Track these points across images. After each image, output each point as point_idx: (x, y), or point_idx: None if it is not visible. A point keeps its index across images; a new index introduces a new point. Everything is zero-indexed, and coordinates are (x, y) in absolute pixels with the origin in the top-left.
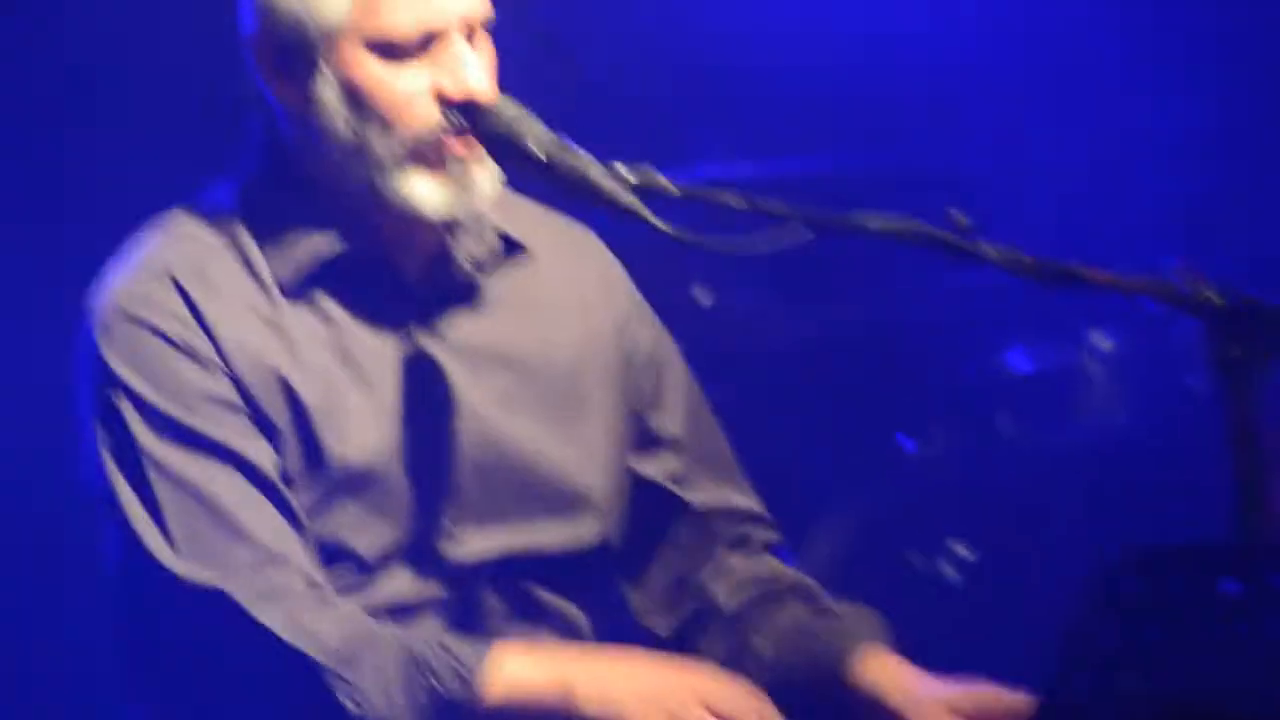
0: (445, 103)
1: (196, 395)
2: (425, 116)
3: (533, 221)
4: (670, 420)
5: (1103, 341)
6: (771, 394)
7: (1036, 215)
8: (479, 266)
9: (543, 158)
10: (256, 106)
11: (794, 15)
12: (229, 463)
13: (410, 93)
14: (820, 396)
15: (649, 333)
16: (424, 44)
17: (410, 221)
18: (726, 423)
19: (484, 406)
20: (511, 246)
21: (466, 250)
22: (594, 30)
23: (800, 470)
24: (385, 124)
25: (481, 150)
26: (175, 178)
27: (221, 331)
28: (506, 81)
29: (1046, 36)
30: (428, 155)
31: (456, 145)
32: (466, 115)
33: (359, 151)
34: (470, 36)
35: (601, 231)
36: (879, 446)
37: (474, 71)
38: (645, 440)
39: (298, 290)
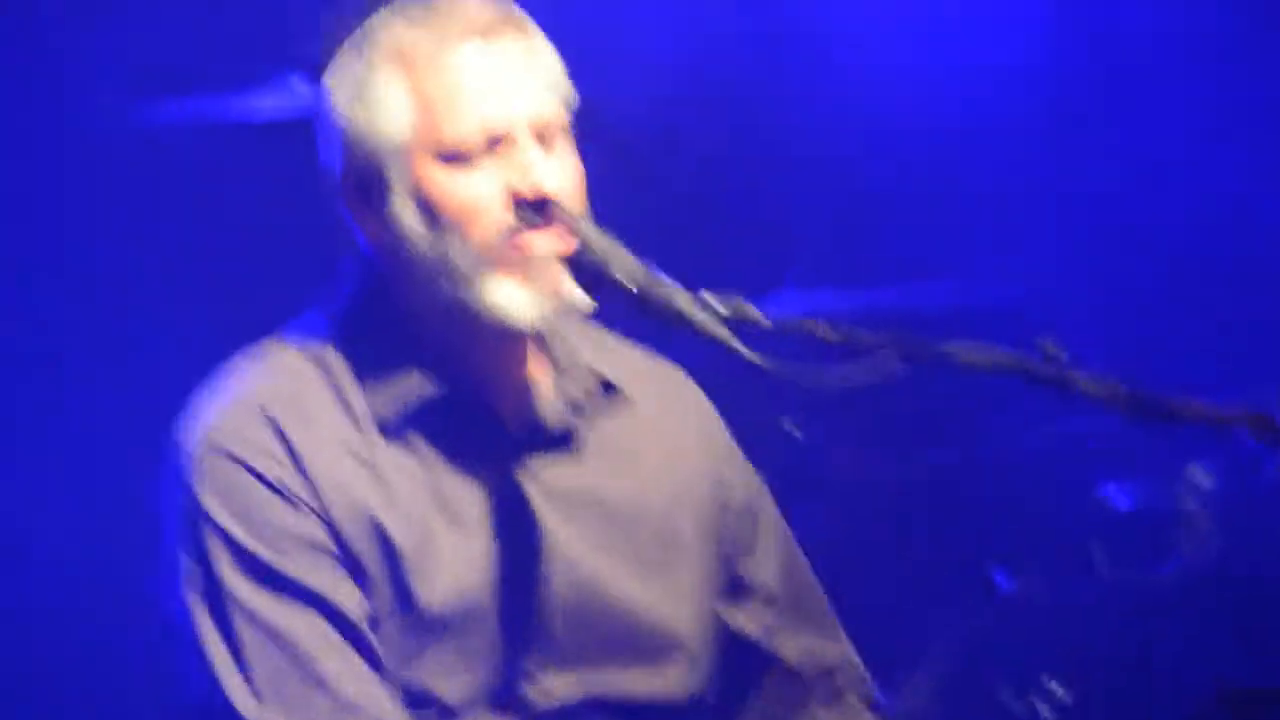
0: (516, 202)
1: (288, 538)
2: (498, 219)
3: (630, 365)
4: (762, 569)
5: (1202, 477)
6: (865, 529)
7: (1129, 345)
8: (575, 409)
9: (632, 288)
10: (347, 244)
11: (885, 143)
12: (315, 607)
13: (481, 196)
14: (914, 532)
15: (743, 480)
16: (491, 147)
17: (504, 349)
18: (819, 558)
19: (576, 550)
20: (608, 389)
21: (563, 391)
22: (680, 155)
23: (895, 607)
24: (460, 231)
25: (564, 246)
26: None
27: (317, 470)
28: (595, 203)
29: (1132, 154)
30: (507, 258)
31: (535, 243)
32: (541, 214)
33: (441, 266)
34: (544, 140)
35: (694, 362)
36: (975, 583)
37: (542, 169)
38: (736, 588)
39: (393, 428)
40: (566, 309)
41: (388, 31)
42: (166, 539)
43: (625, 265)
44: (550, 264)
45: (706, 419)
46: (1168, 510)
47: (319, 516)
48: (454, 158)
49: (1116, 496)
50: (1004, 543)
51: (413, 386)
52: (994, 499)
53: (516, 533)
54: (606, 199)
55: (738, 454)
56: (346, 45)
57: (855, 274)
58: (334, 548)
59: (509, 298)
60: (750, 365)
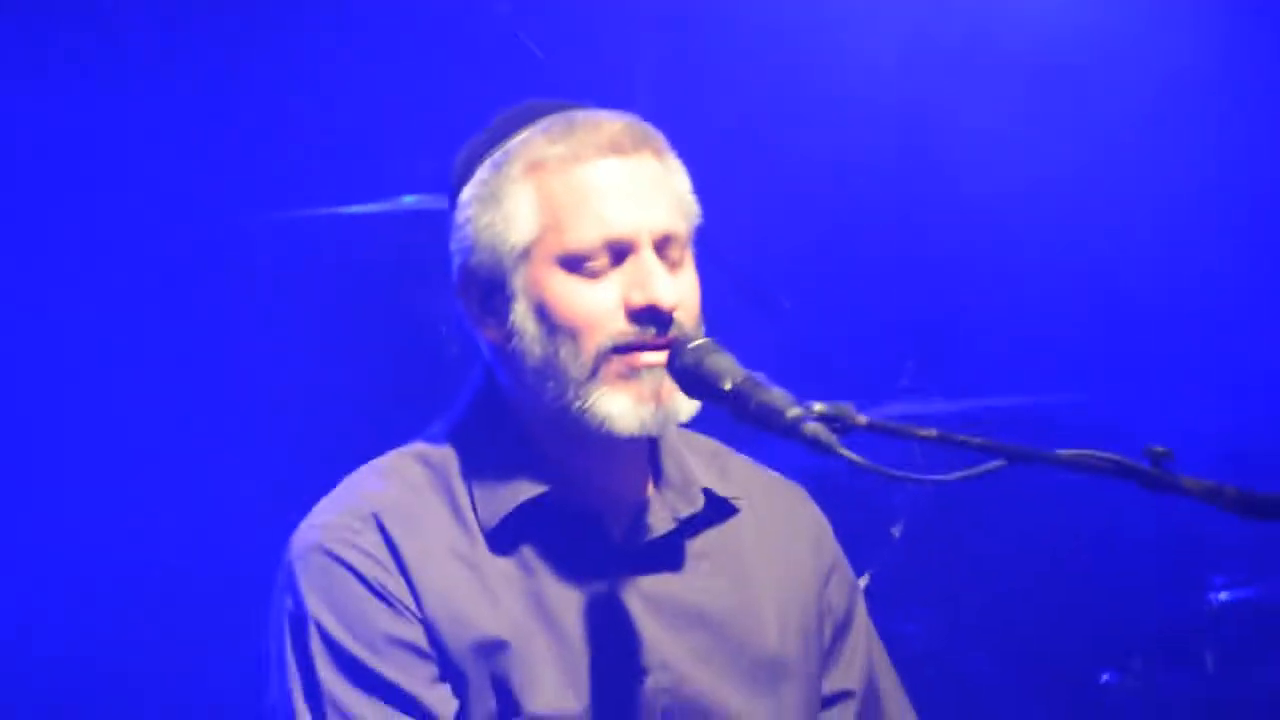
0: (633, 313)
1: (385, 639)
2: (613, 328)
3: (746, 481)
4: (848, 677)
5: None
6: (966, 627)
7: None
8: (684, 524)
9: (731, 390)
10: (474, 356)
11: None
12: (408, 711)
13: (597, 304)
14: (1018, 629)
15: (844, 591)
16: (613, 257)
17: (612, 459)
18: (919, 655)
19: (679, 663)
20: (718, 504)
21: (671, 505)
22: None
23: (1000, 703)
24: (574, 337)
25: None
26: None
27: (421, 577)
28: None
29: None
30: (619, 368)
31: (648, 357)
32: (656, 327)
33: (551, 370)
34: (664, 250)
35: (801, 470)
36: (1081, 680)
37: (661, 281)
38: (824, 698)
39: (500, 535)
40: (671, 418)
41: (526, 146)
42: (272, 636)
43: (725, 368)
44: (658, 375)
45: (820, 538)
46: (1275, 607)
47: (418, 620)
48: (575, 265)
49: (1222, 592)
50: (1111, 639)
51: (519, 494)
52: (1099, 595)
53: (618, 643)
54: (721, 313)
55: (845, 567)
56: (485, 161)
57: (962, 383)
58: (432, 653)
59: (616, 407)
60: (855, 467)
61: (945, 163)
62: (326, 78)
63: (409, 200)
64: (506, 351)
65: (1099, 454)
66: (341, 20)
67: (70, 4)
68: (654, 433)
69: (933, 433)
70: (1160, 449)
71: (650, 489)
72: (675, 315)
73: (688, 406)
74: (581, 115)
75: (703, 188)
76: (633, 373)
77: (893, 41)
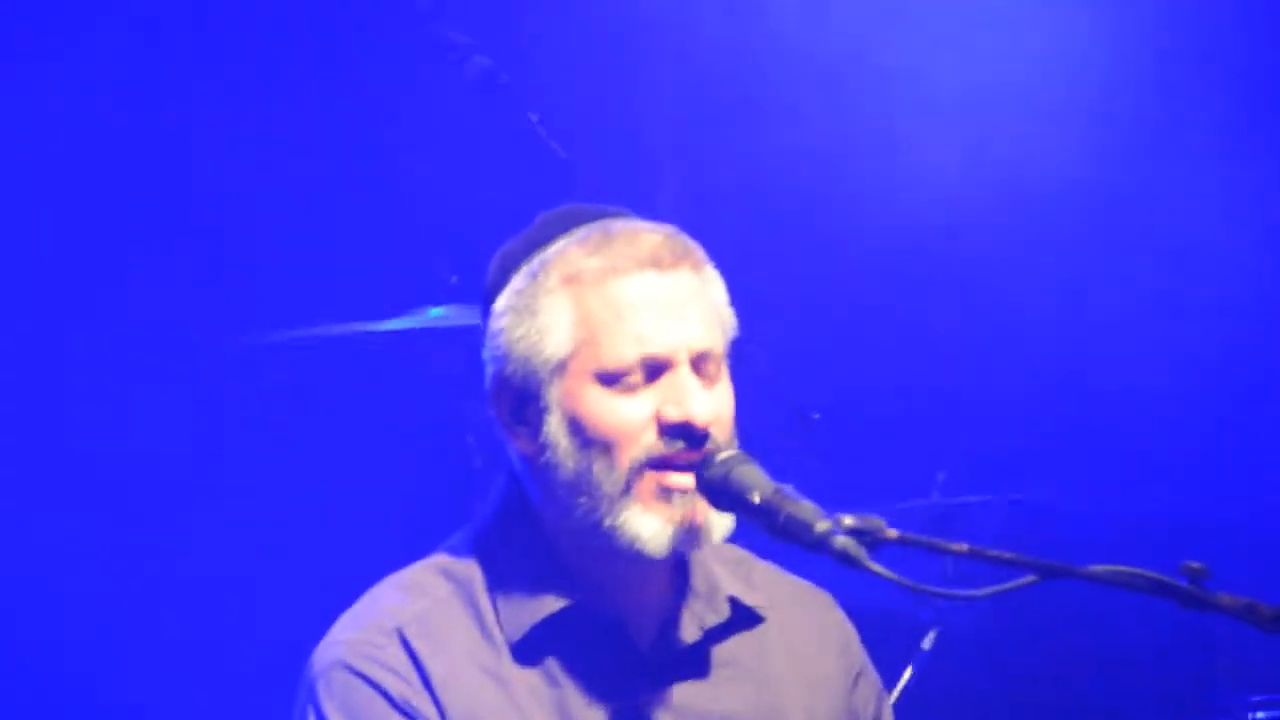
0: (666, 428)
1: None
2: (645, 441)
3: (773, 590)
4: None
5: None
6: None
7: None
8: (710, 634)
9: (760, 503)
10: (501, 463)
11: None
12: None
13: (631, 419)
14: None
15: (871, 697)
16: (648, 373)
17: (639, 574)
18: None
19: None
20: (745, 615)
21: (698, 615)
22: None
23: None
24: (607, 451)
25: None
26: None
27: (445, 690)
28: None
29: None
30: (651, 486)
31: (678, 479)
32: (689, 443)
33: (584, 485)
34: (701, 366)
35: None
36: None
37: (697, 399)
38: None
39: (525, 647)
40: (703, 541)
41: (562, 257)
42: None
43: (754, 481)
44: (690, 499)
45: (846, 644)
46: None
47: None
48: (611, 380)
49: (1258, 712)
50: None
51: (544, 607)
52: (1131, 715)
53: None
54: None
55: (871, 674)
56: (521, 269)
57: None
58: None
59: (647, 528)
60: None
61: (977, 264)
62: (350, 189)
63: (435, 313)
64: (538, 464)
65: (1134, 570)
66: (366, 128)
67: (96, 100)
68: (684, 553)
69: (964, 548)
70: (1196, 565)
71: (677, 599)
72: (710, 431)
73: (720, 528)
74: (619, 225)
75: (735, 295)
76: (665, 494)
77: (930, 149)
